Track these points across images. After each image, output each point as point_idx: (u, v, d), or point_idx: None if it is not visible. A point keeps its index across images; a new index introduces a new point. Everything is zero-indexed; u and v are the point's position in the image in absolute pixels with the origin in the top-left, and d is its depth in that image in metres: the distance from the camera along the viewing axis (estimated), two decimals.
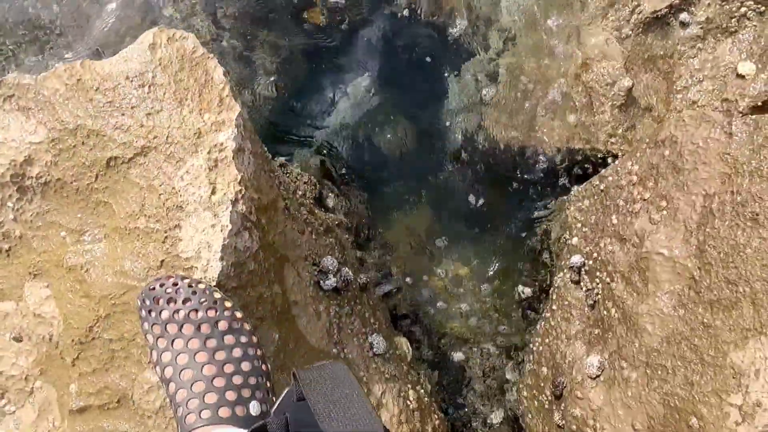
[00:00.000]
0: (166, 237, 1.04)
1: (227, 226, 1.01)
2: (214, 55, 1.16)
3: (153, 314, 0.93)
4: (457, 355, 2.10)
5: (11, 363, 1.18)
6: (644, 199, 1.65)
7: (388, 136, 2.23)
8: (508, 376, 2.11)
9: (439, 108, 2.27)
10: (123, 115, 1.09)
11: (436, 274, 2.16)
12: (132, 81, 1.10)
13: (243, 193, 1.07)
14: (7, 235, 1.17)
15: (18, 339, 1.19)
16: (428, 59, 2.25)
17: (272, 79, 2.11)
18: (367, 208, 2.17)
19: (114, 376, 1.09)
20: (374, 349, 1.58)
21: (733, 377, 1.29)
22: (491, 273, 2.18)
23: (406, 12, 2.22)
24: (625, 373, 1.56)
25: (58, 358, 1.14)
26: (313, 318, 1.37)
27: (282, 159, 1.92)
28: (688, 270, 1.46)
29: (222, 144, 1.07)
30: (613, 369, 1.60)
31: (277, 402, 0.63)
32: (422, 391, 1.68)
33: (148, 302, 0.94)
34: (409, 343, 1.86)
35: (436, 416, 1.65)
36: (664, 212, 1.57)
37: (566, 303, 1.86)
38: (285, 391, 0.62)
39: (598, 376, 1.65)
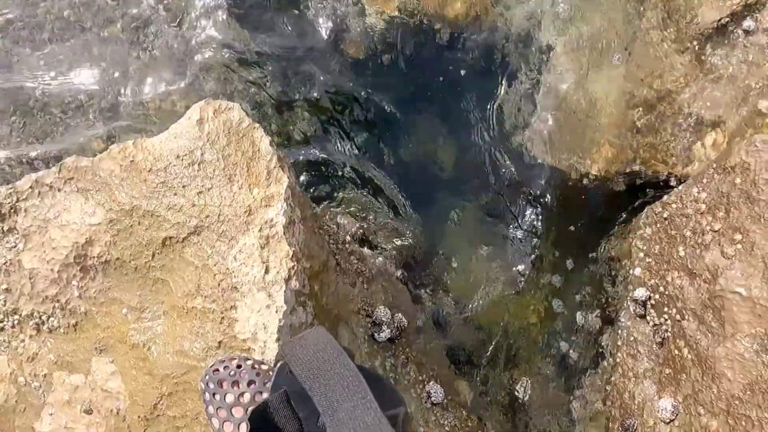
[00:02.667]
0: (222, 317, 1.04)
1: (282, 306, 1.01)
2: (260, 125, 1.16)
3: (218, 397, 0.93)
4: (518, 389, 2.03)
5: None
6: (715, 231, 1.54)
7: (435, 164, 2.19)
8: (572, 411, 2.02)
9: (486, 133, 2.21)
10: (175, 194, 1.10)
11: (492, 306, 2.10)
12: (182, 160, 1.12)
13: (295, 268, 1.06)
14: (73, 311, 1.21)
15: (88, 411, 1.23)
16: (471, 84, 2.19)
17: (315, 117, 2.11)
18: (418, 239, 2.13)
19: None
20: (432, 398, 1.55)
21: None
22: (549, 301, 2.10)
23: (446, 38, 2.17)
24: (702, 420, 1.45)
25: (126, 431, 1.17)
26: None
27: (326, 203, 1.91)
28: None
29: (272, 220, 1.06)
30: (688, 414, 1.50)
31: (272, 378, 0.62)
32: None
33: (212, 386, 0.94)
34: (468, 386, 1.81)
35: None
36: (739, 246, 1.45)
37: (632, 339, 1.76)
38: (277, 367, 0.62)
39: (672, 420, 1.55)
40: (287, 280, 1.03)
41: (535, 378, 2.01)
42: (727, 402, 1.40)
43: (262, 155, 1.13)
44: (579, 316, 2.04)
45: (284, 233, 1.07)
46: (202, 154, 1.12)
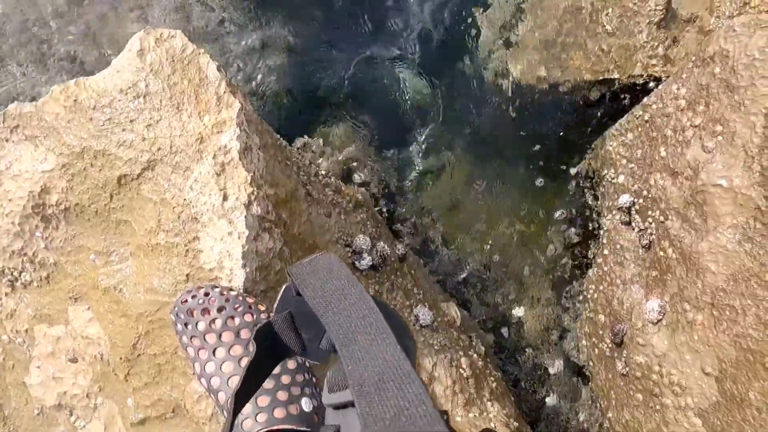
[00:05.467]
0: (187, 250, 1.02)
1: (244, 232, 0.98)
2: (205, 51, 1.10)
3: (190, 327, 0.93)
4: (511, 310, 2.05)
5: (72, 383, 1.23)
6: (695, 126, 1.49)
7: (413, 91, 2.12)
8: (564, 325, 2.05)
9: (464, 56, 2.13)
10: (124, 130, 1.06)
11: (479, 229, 2.09)
12: (126, 94, 1.06)
13: (256, 194, 1.02)
14: (42, 263, 1.19)
15: (73, 360, 1.23)
16: (447, 6, 2.09)
17: (284, 54, 2.03)
18: (400, 172, 2.09)
19: (165, 388, 1.11)
20: (420, 321, 1.55)
21: None
22: (535, 221, 2.08)
23: None
24: (689, 315, 1.46)
25: (112, 374, 1.18)
26: None
27: (304, 139, 1.86)
28: (752, 200, 1.32)
29: (226, 146, 1.02)
30: (675, 312, 1.51)
31: (278, 299, 0.61)
32: (475, 355, 1.65)
33: (182, 316, 0.94)
34: (457, 307, 1.82)
35: (492, 378, 1.63)
36: (720, 138, 1.41)
37: (618, 246, 1.75)
38: (283, 288, 0.60)
39: (659, 320, 1.56)
40: (247, 206, 1.00)
41: (523, 295, 2.02)
42: (712, 295, 1.40)
43: (210, 81, 1.08)
44: (563, 232, 2.02)
45: (240, 159, 1.03)
46: (146, 86, 1.06)
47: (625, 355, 1.67)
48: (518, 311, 2.04)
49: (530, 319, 2.04)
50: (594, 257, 1.90)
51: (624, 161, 1.77)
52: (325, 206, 1.44)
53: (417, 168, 2.09)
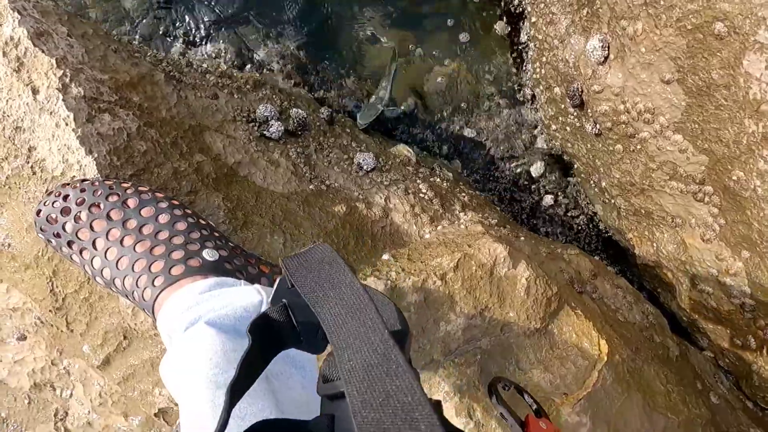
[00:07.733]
0: (32, 166, 0.91)
1: (68, 116, 0.86)
2: None
3: (62, 236, 0.84)
4: (473, 132, 1.91)
5: (33, 358, 1.18)
6: None
7: None
8: (530, 123, 1.90)
9: None
10: None
11: (410, 74, 1.92)
12: None
13: (71, 75, 0.89)
14: None
15: (22, 338, 1.18)
16: None
17: None
18: (303, 47, 1.91)
19: (104, 319, 1.04)
20: (364, 167, 1.44)
21: None
22: (462, 42, 1.89)
23: None
24: (629, 31, 1.29)
25: (59, 332, 1.12)
26: (269, 169, 1.24)
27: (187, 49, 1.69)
28: None
29: (12, 37, 0.88)
30: (616, 37, 1.34)
31: (273, 290, 0.61)
32: (438, 179, 1.54)
33: (46, 228, 0.85)
34: (409, 147, 1.69)
35: (463, 194, 1.52)
36: None
37: (542, 5, 1.56)
38: (278, 280, 0.61)
39: (606, 57, 1.40)
40: (63, 89, 0.87)
41: (478, 114, 1.88)
42: None
43: None
44: (497, 26, 1.83)
45: (36, 45, 0.88)
46: None
47: (590, 113, 1.53)
48: (478, 128, 1.90)
49: (495, 133, 1.90)
50: (528, 33, 1.71)
51: None
52: (206, 89, 1.30)
53: (320, 38, 1.89)
